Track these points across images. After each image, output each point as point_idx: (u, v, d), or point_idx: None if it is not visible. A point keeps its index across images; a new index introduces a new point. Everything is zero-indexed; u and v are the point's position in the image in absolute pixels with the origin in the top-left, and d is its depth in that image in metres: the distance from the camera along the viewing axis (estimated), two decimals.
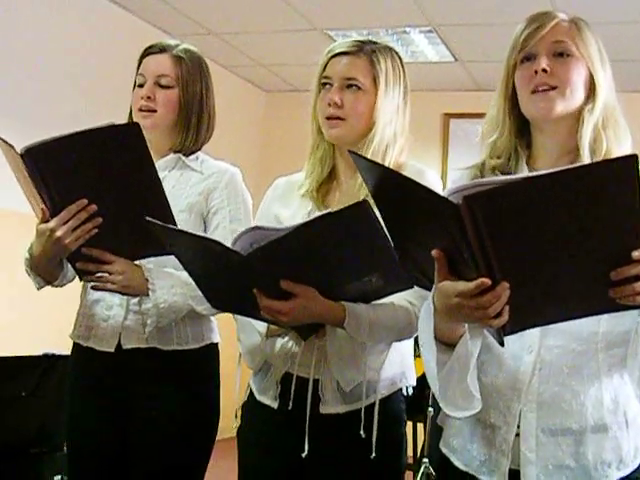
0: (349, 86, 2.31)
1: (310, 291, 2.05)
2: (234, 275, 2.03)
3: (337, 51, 2.35)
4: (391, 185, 1.69)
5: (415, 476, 4.92)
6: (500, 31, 1.85)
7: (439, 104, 7.39)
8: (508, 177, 1.53)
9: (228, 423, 2.51)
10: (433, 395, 1.89)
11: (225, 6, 5.81)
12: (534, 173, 1.50)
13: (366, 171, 1.77)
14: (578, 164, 1.82)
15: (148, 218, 2.09)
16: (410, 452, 5.22)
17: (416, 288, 2.02)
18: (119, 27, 5.78)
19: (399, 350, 2.34)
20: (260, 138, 7.86)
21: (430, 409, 4.82)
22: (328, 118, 2.32)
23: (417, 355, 3.97)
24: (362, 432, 2.21)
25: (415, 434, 5.40)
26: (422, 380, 1.90)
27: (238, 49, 6.75)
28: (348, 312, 2.12)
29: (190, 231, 2.12)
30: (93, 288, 2.52)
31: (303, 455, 2.23)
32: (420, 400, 4.68)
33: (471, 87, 6.95)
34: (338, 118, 2.30)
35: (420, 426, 5.22)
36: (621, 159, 1.47)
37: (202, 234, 2.17)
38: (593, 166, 1.58)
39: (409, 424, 5.27)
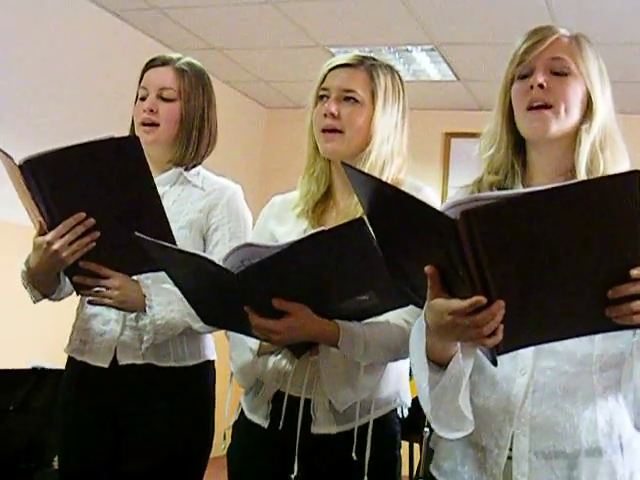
0: (347, 98, 2.29)
1: (303, 309, 2.02)
2: (225, 292, 2.00)
3: (336, 63, 2.33)
4: (385, 198, 1.66)
5: None
6: (502, 50, 1.85)
7: (440, 123, 7.38)
8: (507, 192, 1.51)
9: (219, 441, 2.48)
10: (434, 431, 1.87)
11: (227, 22, 5.81)
12: (534, 188, 1.48)
13: (359, 184, 1.73)
14: (579, 179, 1.80)
15: (137, 233, 2.07)
16: (406, 472, 5.19)
17: (412, 307, 2.00)
18: (121, 41, 5.78)
19: (395, 370, 2.31)
20: (261, 154, 7.85)
21: (426, 429, 4.77)
22: (324, 130, 2.29)
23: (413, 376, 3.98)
24: (354, 454, 2.18)
25: (411, 455, 5.35)
26: (418, 401, 1.87)
27: (240, 65, 6.75)
28: (342, 331, 2.10)
29: (179, 247, 2.10)
30: (90, 303, 2.51)
31: (292, 476, 2.20)
32: (417, 420, 4.63)
33: (473, 107, 6.94)
34: (334, 130, 2.28)
35: (416, 447, 5.18)
36: (623, 175, 1.45)
37: (192, 250, 2.14)
38: (594, 182, 1.56)
39: (405, 444, 5.23)
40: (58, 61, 5.31)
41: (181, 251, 2.08)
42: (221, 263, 1.96)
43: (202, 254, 2.09)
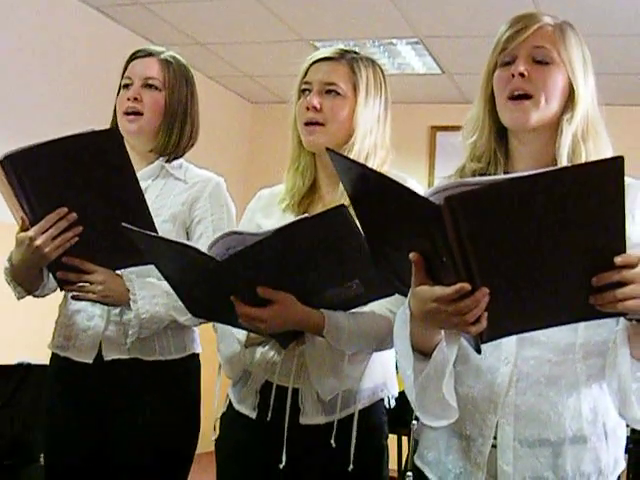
0: (329, 91, 2.30)
1: (288, 298, 2.03)
2: (211, 282, 2.01)
3: (318, 57, 2.34)
4: (369, 185, 1.66)
5: None
6: (487, 43, 1.84)
7: (426, 117, 7.38)
8: (491, 178, 1.51)
9: (206, 434, 2.48)
10: (418, 421, 1.87)
11: (211, 16, 5.80)
12: (518, 174, 1.48)
13: (344, 171, 1.73)
14: (563, 165, 1.80)
15: (124, 224, 2.06)
16: (395, 466, 5.19)
17: (397, 296, 1.99)
18: (106, 37, 5.77)
19: (380, 360, 2.31)
20: (247, 150, 7.84)
21: (414, 422, 4.78)
22: (307, 124, 2.30)
23: None
24: (332, 441, 2.18)
25: (400, 448, 5.36)
26: (405, 393, 1.87)
27: (224, 60, 6.74)
28: (327, 319, 2.10)
29: (165, 236, 2.10)
30: (73, 298, 2.50)
31: (281, 466, 2.20)
32: (404, 413, 4.65)
33: (458, 100, 6.94)
34: (317, 123, 2.28)
35: (405, 439, 5.19)
36: (607, 161, 1.45)
37: (178, 239, 2.13)
38: (578, 167, 1.56)
39: (394, 437, 5.24)
40: (42, 57, 5.30)
41: (167, 240, 2.08)
42: (207, 252, 1.96)
43: (188, 243, 2.09)
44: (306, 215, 1.98)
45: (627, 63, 5.98)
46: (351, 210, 1.83)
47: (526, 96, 1.88)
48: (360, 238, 1.86)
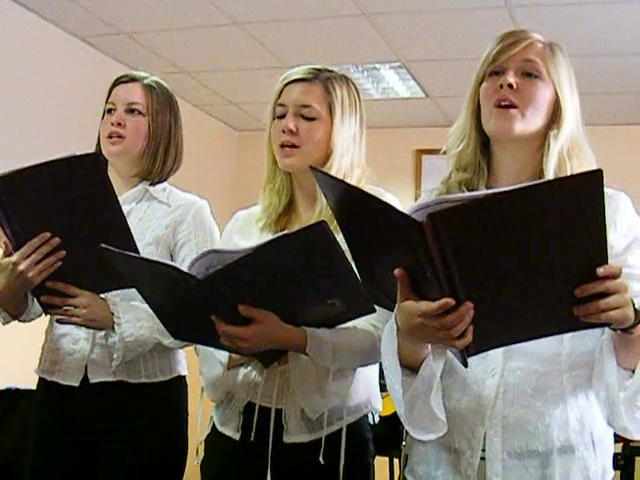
0: (304, 114, 2.28)
1: (270, 316, 2.02)
2: (192, 301, 1.99)
3: (292, 78, 2.33)
4: (353, 202, 1.67)
5: None
6: (470, 66, 1.85)
7: (411, 141, 7.38)
8: (472, 194, 1.52)
9: (192, 457, 2.46)
10: (408, 436, 1.88)
11: (196, 45, 5.81)
12: (499, 189, 1.49)
13: (328, 188, 1.74)
14: (544, 180, 1.81)
15: (103, 245, 2.06)
16: None
17: (380, 311, 2.00)
18: (91, 66, 5.76)
19: (364, 376, 2.30)
20: (233, 178, 7.81)
21: (404, 443, 4.77)
22: (282, 146, 2.29)
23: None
24: (321, 458, 2.16)
25: (392, 470, 5.35)
26: (397, 415, 1.88)
27: (208, 87, 6.74)
28: (310, 336, 2.09)
29: (145, 256, 2.09)
30: (58, 321, 2.50)
31: None
32: (395, 435, 4.65)
33: (443, 123, 6.95)
34: (293, 146, 2.27)
35: (396, 462, 5.17)
36: (587, 174, 1.46)
37: (157, 259, 2.13)
38: (559, 181, 1.57)
39: (385, 460, 5.23)
40: (26, 88, 5.30)
41: (146, 260, 2.07)
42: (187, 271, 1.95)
43: (167, 262, 2.08)
44: (286, 232, 1.98)
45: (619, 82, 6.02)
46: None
47: (512, 106, 1.90)
48: (341, 254, 1.88)
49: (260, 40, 5.62)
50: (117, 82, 2.74)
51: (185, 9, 5.16)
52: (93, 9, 5.17)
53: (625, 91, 6.16)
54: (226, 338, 2.01)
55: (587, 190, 1.45)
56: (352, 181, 2.27)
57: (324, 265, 1.93)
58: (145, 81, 2.71)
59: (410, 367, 1.78)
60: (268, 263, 1.90)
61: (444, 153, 2.05)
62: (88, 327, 2.51)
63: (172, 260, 2.62)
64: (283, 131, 2.28)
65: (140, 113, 2.67)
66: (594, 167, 1.86)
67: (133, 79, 2.72)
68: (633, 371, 1.71)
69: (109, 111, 2.70)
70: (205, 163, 7.02)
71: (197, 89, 6.73)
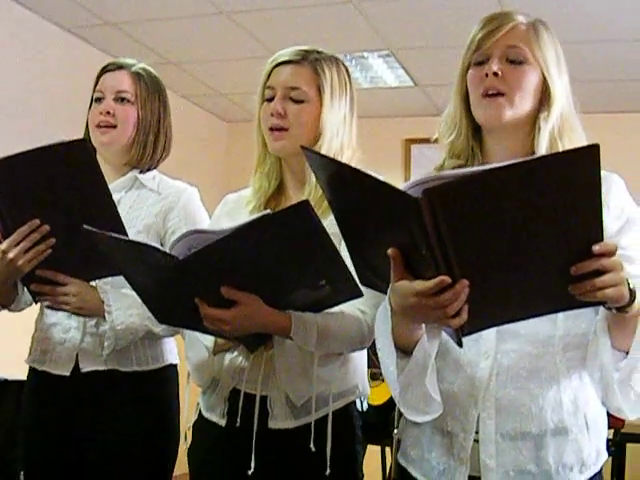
0: (293, 96, 2.27)
1: (253, 299, 1.99)
2: (174, 283, 1.97)
3: (280, 60, 2.31)
4: (345, 181, 1.65)
5: None
6: (459, 54, 1.84)
7: (400, 130, 7.38)
8: (469, 169, 1.51)
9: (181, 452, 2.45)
10: (398, 418, 1.87)
11: (184, 35, 5.80)
12: (496, 164, 1.47)
13: (319, 168, 1.73)
14: (541, 154, 1.81)
15: (85, 226, 2.04)
16: (380, 478, 5.18)
17: (368, 296, 1.99)
18: (77, 58, 5.74)
19: (352, 362, 2.29)
20: (223, 169, 7.80)
21: (396, 431, 4.77)
22: (271, 129, 2.28)
23: (382, 379, 3.97)
24: (312, 445, 2.15)
25: (383, 459, 5.35)
26: (389, 404, 1.87)
27: (198, 78, 6.73)
28: (294, 320, 2.07)
29: (127, 238, 2.07)
30: (48, 307, 2.50)
31: (249, 472, 2.16)
32: (387, 424, 4.65)
33: (432, 112, 6.93)
34: (281, 129, 2.26)
35: (388, 451, 5.17)
36: (584, 149, 1.45)
37: (139, 239, 2.12)
38: (556, 156, 1.56)
39: (377, 449, 5.23)
40: (12, 79, 5.27)
41: (128, 241, 2.05)
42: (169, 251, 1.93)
43: (149, 243, 2.05)
44: (268, 211, 1.96)
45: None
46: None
47: (500, 94, 1.89)
48: (325, 236, 1.86)
49: (248, 29, 5.61)
50: (104, 70, 2.72)
51: None
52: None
53: (622, 78, 6.16)
54: (208, 321, 1.99)
55: (584, 165, 1.44)
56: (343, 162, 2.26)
57: (308, 247, 1.90)
58: (133, 69, 2.69)
59: (404, 349, 1.77)
60: (250, 244, 1.87)
61: (435, 141, 2.05)
62: (78, 315, 2.51)
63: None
64: (272, 114, 2.27)
65: (129, 101, 2.65)
66: (584, 142, 1.88)
67: (121, 67, 2.70)
68: (627, 352, 1.70)
69: (97, 100, 2.68)
70: (194, 155, 7.00)
71: (185, 80, 6.71)
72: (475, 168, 1.52)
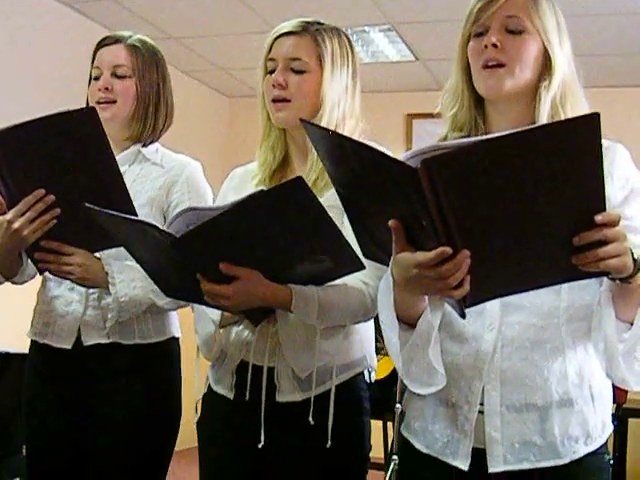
0: (294, 67, 2.27)
1: (253, 274, 2.00)
2: (174, 260, 1.98)
3: (282, 32, 2.31)
4: (345, 152, 1.64)
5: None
6: (460, 28, 1.84)
7: (402, 105, 7.36)
8: (468, 139, 1.50)
9: (187, 417, 2.45)
10: (401, 392, 1.86)
11: (184, 10, 5.78)
12: (494, 134, 1.47)
13: (318, 141, 1.73)
14: (540, 123, 1.80)
15: (87, 204, 2.04)
16: (382, 451, 5.19)
17: (371, 268, 1.99)
18: (76, 31, 5.72)
19: (358, 333, 2.29)
20: (224, 145, 7.79)
21: (398, 405, 4.78)
22: (274, 101, 2.28)
23: (384, 354, 3.98)
24: (311, 419, 2.16)
25: (385, 433, 5.37)
26: (390, 378, 1.87)
27: (199, 54, 6.71)
28: (295, 293, 2.08)
29: (125, 215, 2.07)
30: (52, 274, 2.49)
31: (260, 446, 2.18)
32: (389, 398, 4.66)
33: (433, 87, 6.93)
34: (284, 100, 2.27)
35: (390, 425, 5.18)
36: (583, 117, 1.44)
37: (138, 218, 2.12)
38: (556, 125, 1.55)
39: (379, 423, 5.24)
40: (9, 52, 5.26)
41: (127, 218, 2.04)
42: (166, 229, 1.93)
43: (148, 220, 2.05)
44: (262, 188, 1.97)
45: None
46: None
47: (500, 65, 1.88)
48: (322, 210, 1.86)
49: (249, 4, 5.59)
50: (101, 44, 2.71)
51: None
52: None
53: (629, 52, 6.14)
54: (209, 296, 2.00)
55: (584, 134, 1.43)
56: (345, 132, 2.26)
57: (306, 222, 1.90)
58: (129, 41, 2.67)
59: (407, 321, 1.77)
60: (247, 221, 1.88)
61: (438, 115, 2.04)
62: (82, 286, 2.51)
63: (165, 221, 2.59)
64: (273, 86, 2.28)
65: (126, 76, 2.64)
66: (587, 109, 1.87)
67: (117, 40, 2.68)
68: (631, 323, 1.70)
69: (95, 77, 2.67)
70: (196, 131, 6.99)
71: (187, 55, 6.69)
72: (473, 138, 1.52)
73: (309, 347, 2.17)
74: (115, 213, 2.03)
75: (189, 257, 1.93)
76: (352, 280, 2.15)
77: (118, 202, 2.20)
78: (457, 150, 1.43)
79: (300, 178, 1.82)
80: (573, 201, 1.49)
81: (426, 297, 1.70)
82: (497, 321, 1.83)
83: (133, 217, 2.10)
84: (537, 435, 1.81)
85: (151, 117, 2.67)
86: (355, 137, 2.24)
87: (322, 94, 2.27)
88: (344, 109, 2.30)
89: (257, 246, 1.95)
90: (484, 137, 1.48)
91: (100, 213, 2.04)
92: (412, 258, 1.55)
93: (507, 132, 1.44)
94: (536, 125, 1.49)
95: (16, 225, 2.28)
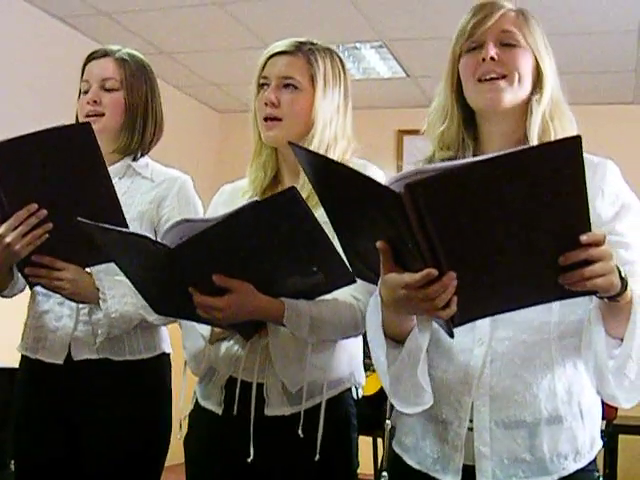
0: (286, 85, 2.27)
1: (246, 286, 2.00)
2: (167, 272, 1.97)
3: (275, 51, 2.31)
4: (332, 176, 1.66)
5: None
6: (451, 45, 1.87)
7: (392, 121, 7.38)
8: (450, 163, 1.51)
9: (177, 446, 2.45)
10: (391, 407, 1.87)
11: (176, 25, 5.79)
12: (477, 158, 1.49)
13: (307, 163, 1.73)
14: (522, 147, 1.81)
15: (79, 218, 2.04)
16: (371, 467, 5.19)
17: (362, 283, 1.99)
18: (69, 47, 5.72)
19: (347, 349, 2.29)
20: (215, 160, 7.78)
21: (388, 422, 4.78)
22: (265, 119, 2.29)
23: (374, 370, 3.97)
24: (300, 432, 2.16)
25: (375, 449, 5.37)
26: (380, 395, 1.87)
27: (190, 69, 6.72)
28: (287, 307, 2.07)
29: (118, 228, 2.07)
30: (44, 287, 2.47)
31: (249, 460, 2.18)
32: (378, 415, 4.66)
33: (424, 103, 6.85)
34: (275, 118, 2.27)
35: (380, 441, 5.18)
36: (566, 140, 1.45)
37: (131, 230, 2.12)
38: (538, 148, 1.56)
39: (369, 439, 5.24)
40: (4, 68, 5.26)
41: (121, 232, 2.04)
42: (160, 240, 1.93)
43: (140, 232, 2.05)
44: (256, 199, 1.97)
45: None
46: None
47: (499, 77, 1.90)
48: (315, 222, 1.86)
49: (240, 20, 5.60)
50: (90, 58, 2.72)
51: None
52: None
53: (611, 70, 6.17)
54: (202, 309, 2.00)
55: (566, 156, 1.43)
56: (336, 153, 2.28)
57: (299, 233, 1.91)
58: (117, 54, 2.68)
59: (396, 339, 1.78)
60: (241, 231, 1.88)
61: (425, 133, 2.05)
62: (72, 301, 2.50)
63: (156, 236, 2.59)
64: (265, 104, 2.28)
65: (115, 89, 2.64)
66: (574, 127, 1.90)
67: (105, 54, 2.69)
68: (622, 339, 1.70)
69: (85, 91, 2.67)
70: (187, 146, 6.99)
71: (178, 70, 6.70)
72: (456, 162, 1.53)
73: (300, 361, 2.17)
74: (108, 226, 2.03)
75: (182, 269, 1.93)
76: (343, 295, 2.15)
77: (111, 217, 2.20)
78: (440, 174, 1.44)
79: (293, 188, 1.83)
80: (558, 221, 1.49)
81: (414, 317, 1.71)
82: (487, 336, 1.84)
83: (126, 230, 2.10)
84: (526, 451, 1.81)
85: (139, 129, 2.67)
86: (347, 156, 2.26)
87: (314, 113, 2.27)
88: (336, 129, 2.31)
89: (250, 258, 1.95)
90: (467, 160, 1.49)
91: (92, 226, 2.04)
92: (399, 279, 1.56)
93: (487, 156, 1.45)
94: (517, 149, 1.49)
95: (8, 239, 2.27)
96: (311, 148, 2.22)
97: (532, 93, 1.93)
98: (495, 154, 1.44)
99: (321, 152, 2.22)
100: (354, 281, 2.00)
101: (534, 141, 1.88)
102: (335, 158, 2.25)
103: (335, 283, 2.07)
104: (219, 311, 1.99)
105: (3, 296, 2.59)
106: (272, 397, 2.20)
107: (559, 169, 1.44)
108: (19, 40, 5.37)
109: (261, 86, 2.32)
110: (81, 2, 5.36)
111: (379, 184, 1.48)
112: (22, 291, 2.63)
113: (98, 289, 2.47)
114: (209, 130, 7.92)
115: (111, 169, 2.60)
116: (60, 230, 2.31)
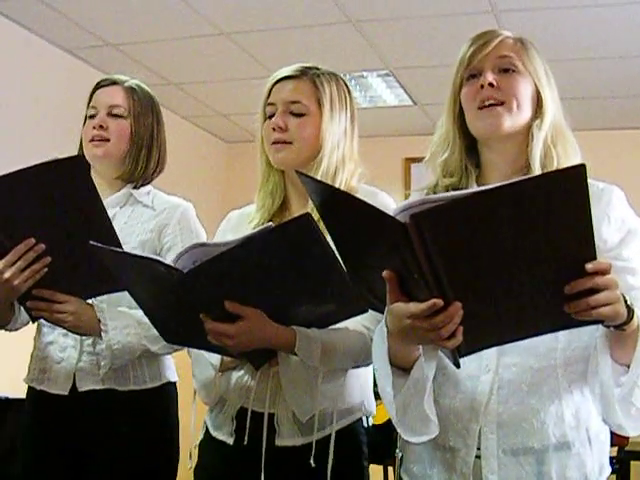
0: (293, 110, 2.28)
1: (257, 313, 1.99)
2: (179, 297, 1.96)
3: (281, 76, 2.33)
4: (338, 204, 1.67)
5: None
6: None
7: (400, 149, 7.37)
8: (456, 193, 1.51)
9: (184, 463, 2.43)
10: (400, 437, 1.86)
11: (182, 56, 5.80)
12: (482, 187, 1.49)
13: (313, 191, 1.74)
14: (527, 176, 1.81)
15: (92, 242, 2.03)
16: None
17: (372, 313, 1.98)
18: (77, 78, 5.72)
19: (357, 378, 2.28)
20: (222, 190, 7.77)
21: (398, 451, 4.75)
22: (274, 143, 2.29)
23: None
24: (312, 461, 2.14)
25: (386, 478, 5.33)
26: (390, 423, 1.87)
27: (197, 99, 6.73)
28: (299, 335, 2.07)
29: (131, 252, 2.07)
30: (47, 320, 2.46)
31: None
32: (388, 443, 4.63)
33: (431, 131, 6.78)
34: (284, 142, 2.27)
35: (390, 470, 5.16)
36: (570, 169, 1.46)
37: (143, 253, 2.11)
38: (542, 177, 1.57)
39: (379, 468, 5.20)
40: (11, 99, 5.28)
41: (133, 255, 2.05)
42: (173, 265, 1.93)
43: (153, 256, 2.05)
44: (271, 224, 1.97)
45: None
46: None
47: (497, 104, 1.90)
48: (328, 249, 1.86)
49: (247, 50, 5.62)
50: (98, 86, 2.74)
51: (171, 20, 5.15)
52: (79, 21, 5.17)
53: (618, 95, 6.17)
54: (212, 335, 1.99)
55: (571, 185, 1.44)
56: (344, 176, 2.29)
57: (312, 260, 1.90)
58: (126, 84, 2.71)
59: (402, 367, 1.77)
60: (254, 256, 1.87)
61: (426, 163, 2.06)
62: (75, 333, 2.49)
63: None
64: (273, 129, 2.28)
65: (122, 117, 2.66)
66: (578, 153, 1.91)
67: (114, 82, 2.72)
68: (629, 366, 1.69)
69: (91, 116, 2.69)
70: (194, 176, 6.99)
71: (185, 101, 6.71)
72: (461, 192, 1.53)
73: (311, 390, 2.16)
74: (120, 250, 2.03)
75: (195, 294, 1.92)
76: (353, 324, 2.15)
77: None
78: (445, 204, 1.44)
79: (308, 214, 1.83)
80: (563, 250, 1.49)
81: (420, 347, 1.70)
82: (494, 363, 1.83)
83: (139, 254, 2.09)
84: (534, 478, 1.80)
85: (143, 159, 2.69)
86: (354, 180, 2.26)
87: (322, 137, 2.28)
88: (343, 152, 2.31)
89: (263, 284, 1.95)
90: (470, 190, 1.50)
91: (105, 250, 2.03)
92: (405, 309, 1.56)
93: (492, 186, 1.45)
94: (522, 178, 1.50)
95: (7, 275, 2.27)
96: (320, 171, 2.25)
97: (533, 119, 1.93)
98: (499, 184, 1.44)
99: (330, 175, 2.26)
100: (366, 310, 2.00)
101: (536, 166, 1.88)
102: (343, 180, 2.28)
103: (346, 311, 2.07)
104: (230, 338, 1.98)
105: (6, 330, 2.58)
106: (283, 427, 2.19)
107: (564, 198, 1.44)
108: (26, 72, 5.38)
109: (268, 113, 2.33)
110: (88, 34, 5.38)
111: (385, 214, 1.48)
112: (26, 324, 2.62)
113: (100, 321, 2.46)
114: (216, 159, 7.92)
115: (112, 197, 2.62)
116: (59, 263, 2.31)
